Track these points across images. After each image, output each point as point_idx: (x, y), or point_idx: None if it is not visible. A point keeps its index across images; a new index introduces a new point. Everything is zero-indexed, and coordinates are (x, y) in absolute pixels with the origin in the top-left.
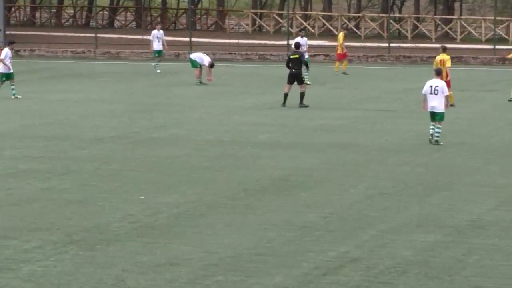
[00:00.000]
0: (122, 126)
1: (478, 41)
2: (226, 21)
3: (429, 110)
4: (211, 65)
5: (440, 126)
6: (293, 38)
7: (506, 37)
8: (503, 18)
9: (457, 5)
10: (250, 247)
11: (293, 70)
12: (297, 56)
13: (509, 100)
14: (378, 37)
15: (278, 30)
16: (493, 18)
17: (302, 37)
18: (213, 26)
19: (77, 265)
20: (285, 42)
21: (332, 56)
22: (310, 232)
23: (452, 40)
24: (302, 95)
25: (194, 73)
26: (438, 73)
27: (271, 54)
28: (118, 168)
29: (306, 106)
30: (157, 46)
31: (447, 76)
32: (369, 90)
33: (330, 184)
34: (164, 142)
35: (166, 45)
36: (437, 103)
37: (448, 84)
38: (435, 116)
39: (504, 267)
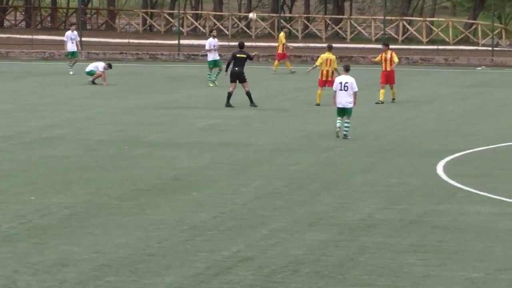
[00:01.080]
0: (11, 126)
1: (368, 41)
2: (117, 20)
3: (339, 106)
4: (110, 66)
5: (349, 121)
6: (184, 38)
7: (396, 36)
8: (393, 17)
9: (347, 5)
10: (142, 247)
11: (236, 69)
12: (243, 56)
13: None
14: (268, 36)
15: (169, 29)
16: (382, 17)
17: (214, 37)
18: (104, 26)
19: None
20: (176, 42)
21: (224, 56)
22: (202, 231)
23: (342, 40)
24: (248, 94)
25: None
26: (347, 69)
27: (162, 54)
28: (8, 168)
29: (256, 106)
30: (71, 47)
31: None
32: (260, 90)
33: (222, 184)
34: (54, 142)
35: (79, 46)
36: (346, 99)
37: (331, 83)
38: (343, 112)
39: (394, 265)
